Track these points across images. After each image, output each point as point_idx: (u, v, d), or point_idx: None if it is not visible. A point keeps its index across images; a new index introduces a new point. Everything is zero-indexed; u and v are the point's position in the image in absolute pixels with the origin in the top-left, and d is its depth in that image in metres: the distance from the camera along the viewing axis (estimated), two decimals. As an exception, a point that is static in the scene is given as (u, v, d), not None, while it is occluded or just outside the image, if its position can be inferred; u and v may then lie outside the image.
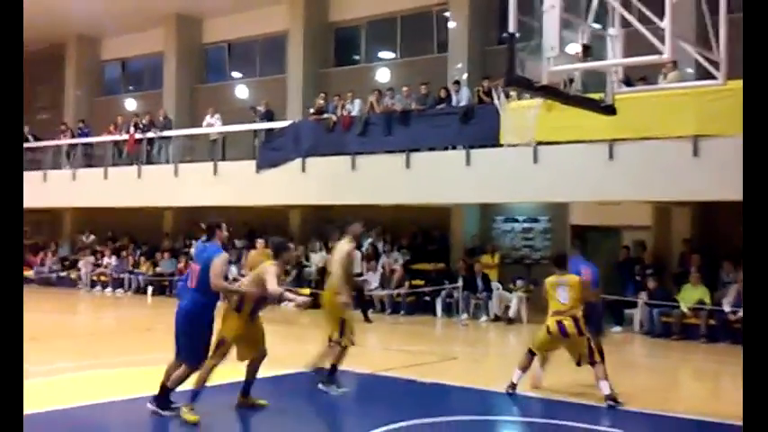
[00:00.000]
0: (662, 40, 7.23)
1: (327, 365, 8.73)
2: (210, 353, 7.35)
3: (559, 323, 8.38)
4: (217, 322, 7.47)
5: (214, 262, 7.20)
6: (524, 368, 8.75)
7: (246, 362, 7.78)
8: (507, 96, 12.62)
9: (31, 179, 23.62)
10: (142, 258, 22.88)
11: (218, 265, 7.20)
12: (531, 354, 8.76)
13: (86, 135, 23.83)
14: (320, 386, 8.60)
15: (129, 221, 24.40)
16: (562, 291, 8.52)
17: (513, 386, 8.67)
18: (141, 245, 23.78)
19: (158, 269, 22.02)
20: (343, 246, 8.96)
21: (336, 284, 8.70)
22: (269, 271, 7.42)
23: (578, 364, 8.50)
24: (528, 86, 8.03)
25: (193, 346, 7.26)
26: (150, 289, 21.71)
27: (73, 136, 24.14)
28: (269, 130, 19.79)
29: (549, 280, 8.70)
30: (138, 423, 7.46)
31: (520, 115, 11.48)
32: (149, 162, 21.74)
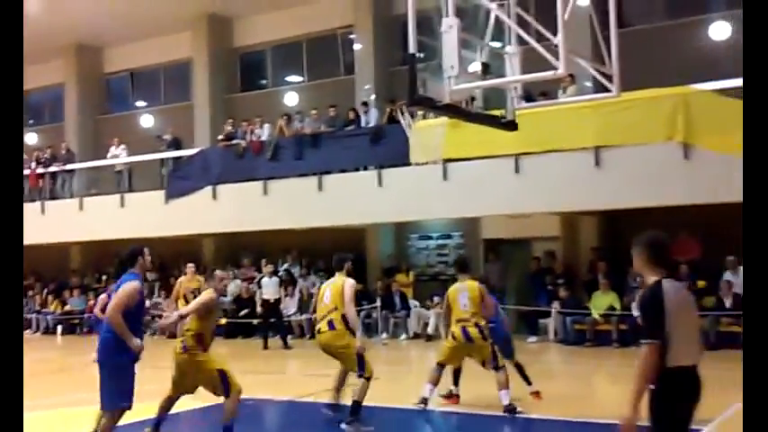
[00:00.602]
0: (557, 56, 7.43)
1: (348, 401, 8.31)
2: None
3: (464, 329, 8.49)
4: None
5: (117, 292, 6.63)
6: (435, 382, 8.81)
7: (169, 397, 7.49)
8: (413, 116, 12.78)
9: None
10: (49, 297, 22.10)
11: (120, 294, 6.56)
12: (441, 366, 8.81)
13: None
14: (344, 426, 7.98)
15: (33, 259, 23.47)
16: (463, 298, 8.63)
17: (425, 401, 8.73)
18: (48, 283, 22.96)
19: (67, 307, 21.31)
20: (349, 281, 8.38)
21: (353, 320, 8.22)
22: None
23: (483, 365, 8.64)
24: (431, 105, 8.12)
25: (106, 385, 6.60)
26: (60, 328, 20.97)
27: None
28: (177, 159, 19.48)
29: (452, 288, 8.84)
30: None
31: (426, 134, 11.64)
32: (53, 197, 21.06)
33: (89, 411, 7.46)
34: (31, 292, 22.57)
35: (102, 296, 6.91)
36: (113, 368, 6.56)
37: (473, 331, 8.45)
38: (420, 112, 13.07)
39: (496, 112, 9.14)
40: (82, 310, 20.66)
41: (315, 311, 9.30)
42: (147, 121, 24.12)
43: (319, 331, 8.30)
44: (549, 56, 7.45)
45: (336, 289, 8.24)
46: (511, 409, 8.31)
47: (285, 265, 18.66)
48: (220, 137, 19.18)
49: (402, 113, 13.03)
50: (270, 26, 21.72)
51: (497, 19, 8.41)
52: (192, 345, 7.21)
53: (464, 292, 8.68)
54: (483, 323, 8.52)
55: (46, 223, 20.55)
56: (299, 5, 20.63)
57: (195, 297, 13.34)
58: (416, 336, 16.55)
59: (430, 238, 18.97)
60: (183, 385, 7.37)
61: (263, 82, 23.06)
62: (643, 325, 4.41)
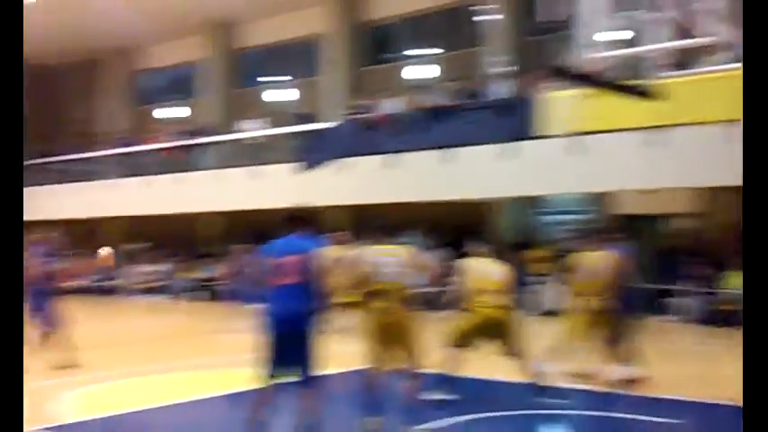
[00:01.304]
0: (703, 22, 7.15)
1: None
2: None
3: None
4: None
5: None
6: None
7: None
8: (548, 86, 12.57)
9: (73, 190, 24.06)
10: (184, 264, 23.10)
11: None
12: None
13: (127, 145, 24.20)
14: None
15: (170, 227, 24.61)
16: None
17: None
18: (183, 250, 24.00)
19: (201, 274, 22.25)
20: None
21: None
22: None
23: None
24: (568, 76, 8.00)
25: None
26: (196, 294, 21.94)
27: (114, 146, 24.53)
28: (309, 132, 19.91)
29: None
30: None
31: (559, 105, 11.42)
32: (190, 169, 21.95)
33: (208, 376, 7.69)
34: (166, 259, 23.67)
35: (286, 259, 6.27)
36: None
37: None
38: (552, 84, 12.81)
39: (634, 83, 8.90)
40: (215, 277, 21.53)
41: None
42: (278, 95, 24.75)
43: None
44: (695, 23, 7.18)
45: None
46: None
47: (415, 239, 18.79)
48: (350, 111, 19.45)
49: (535, 84, 12.82)
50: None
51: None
52: None
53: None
54: None
55: (184, 194, 21.51)
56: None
57: None
58: (548, 312, 16.34)
59: (561, 212, 18.65)
60: None
61: (394, 55, 23.18)
62: None
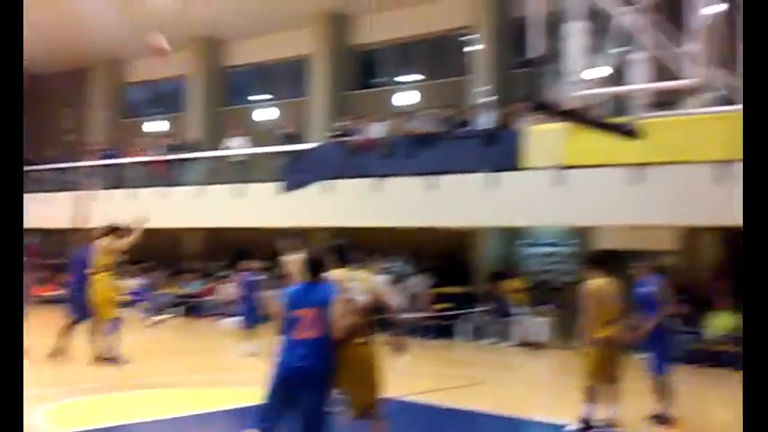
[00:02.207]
0: (687, 65, 7.16)
1: None
2: None
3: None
4: None
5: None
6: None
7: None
8: (530, 120, 12.59)
9: (57, 200, 23.86)
10: (167, 279, 22.95)
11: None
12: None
13: (112, 157, 24.03)
14: None
15: (153, 242, 24.26)
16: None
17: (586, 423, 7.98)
18: (166, 266, 23.84)
19: (183, 290, 22.09)
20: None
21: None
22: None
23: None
24: (552, 111, 7.99)
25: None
26: (176, 311, 21.74)
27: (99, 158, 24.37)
28: (293, 152, 19.85)
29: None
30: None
31: (544, 138, 11.42)
32: (175, 184, 21.82)
33: (189, 394, 7.60)
34: (149, 274, 23.47)
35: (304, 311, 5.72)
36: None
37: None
38: (537, 117, 12.83)
39: (618, 120, 8.90)
40: (197, 293, 21.36)
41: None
42: (264, 114, 24.70)
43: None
44: (679, 64, 7.18)
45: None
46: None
47: (396, 264, 18.74)
48: (335, 133, 19.43)
49: (519, 117, 12.84)
50: (389, 25, 21.82)
51: (625, 25, 8.18)
52: None
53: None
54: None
55: (167, 209, 21.35)
56: (419, 4, 20.67)
57: None
58: (522, 343, 16.30)
59: (541, 245, 18.65)
60: None
61: (380, 80, 23.21)
62: None
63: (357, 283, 6.19)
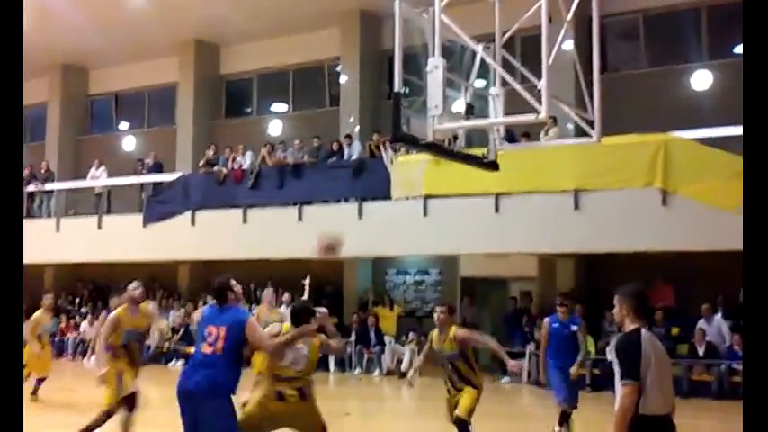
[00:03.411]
0: (540, 99, 7.50)
1: None
2: None
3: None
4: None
5: (250, 326, 5.92)
6: None
7: None
8: (396, 151, 12.83)
9: None
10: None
11: (258, 331, 5.99)
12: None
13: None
14: None
15: (7, 278, 23.27)
16: None
17: None
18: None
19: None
20: None
21: None
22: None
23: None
24: (414, 143, 8.14)
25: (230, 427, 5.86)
26: (29, 349, 20.61)
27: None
28: (157, 183, 19.39)
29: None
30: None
31: (408, 169, 11.67)
32: (30, 216, 20.84)
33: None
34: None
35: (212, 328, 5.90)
36: (226, 407, 5.82)
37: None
38: (403, 148, 13.12)
39: (478, 152, 9.20)
40: (53, 332, 20.30)
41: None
42: (129, 143, 24.02)
43: None
44: (531, 99, 7.51)
45: None
46: None
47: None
48: (202, 162, 19.13)
49: (385, 148, 13.08)
50: (257, 55, 21.79)
51: (482, 60, 8.50)
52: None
53: None
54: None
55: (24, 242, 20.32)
56: (286, 35, 20.71)
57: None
58: (389, 372, 16.43)
59: (408, 273, 18.94)
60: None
61: (248, 110, 23.08)
62: (620, 368, 4.47)
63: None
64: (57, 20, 19.98)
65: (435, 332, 7.80)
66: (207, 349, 5.85)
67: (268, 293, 11.41)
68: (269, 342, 6.08)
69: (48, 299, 13.00)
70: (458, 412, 7.27)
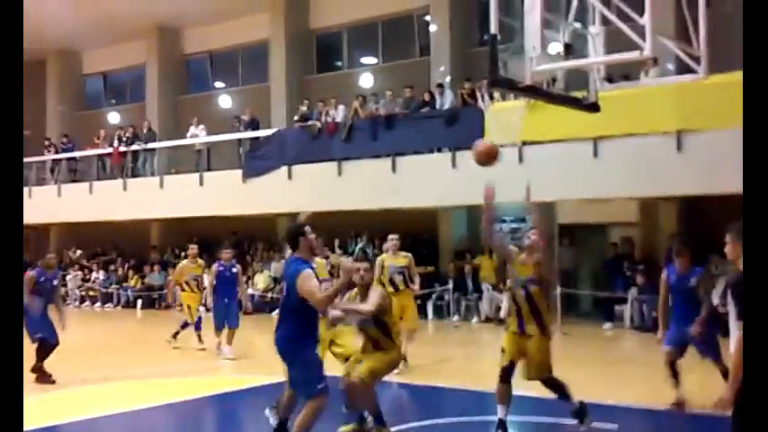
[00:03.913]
0: (642, 36, 7.27)
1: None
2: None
3: None
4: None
5: (302, 278, 5.84)
6: None
7: None
8: (491, 97, 12.67)
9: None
10: (130, 272, 22.78)
11: (307, 283, 5.83)
12: None
13: (70, 150, 23.72)
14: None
15: (115, 235, 24.32)
16: None
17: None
18: (129, 258, 23.64)
19: (147, 282, 21.92)
20: None
21: None
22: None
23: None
24: (511, 87, 8.05)
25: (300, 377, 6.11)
26: (140, 302, 21.60)
27: (56, 151, 24.03)
28: (254, 139, 19.78)
29: None
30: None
31: (504, 115, 11.49)
32: (134, 175, 21.67)
33: (162, 383, 7.59)
34: (112, 267, 23.32)
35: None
36: (304, 364, 6.04)
37: None
38: (497, 94, 12.94)
39: (577, 94, 9.01)
40: (161, 285, 21.21)
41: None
42: (225, 101, 24.52)
43: None
44: (635, 36, 7.29)
45: None
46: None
47: (360, 245, 18.78)
48: (296, 117, 19.39)
49: (480, 94, 12.94)
50: (346, 7, 21.79)
51: (580, -1, 8.28)
52: None
53: None
54: None
55: (127, 200, 21.18)
56: (375, -14, 20.64)
57: (197, 283, 13.24)
58: (488, 319, 16.50)
59: (503, 221, 18.81)
60: None
61: (339, 63, 23.17)
62: (739, 307, 4.35)
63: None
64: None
65: (521, 254, 7.48)
66: (281, 305, 6.19)
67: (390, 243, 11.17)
68: (317, 296, 5.79)
69: (192, 248, 13.59)
70: (541, 374, 7.03)
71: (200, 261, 13.65)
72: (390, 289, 10.05)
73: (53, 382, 9.82)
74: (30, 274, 10.09)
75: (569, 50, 8.09)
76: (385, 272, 10.52)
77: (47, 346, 9.95)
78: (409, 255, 11.01)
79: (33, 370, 9.83)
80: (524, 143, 14.38)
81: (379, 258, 10.80)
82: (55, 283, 10.51)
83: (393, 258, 10.75)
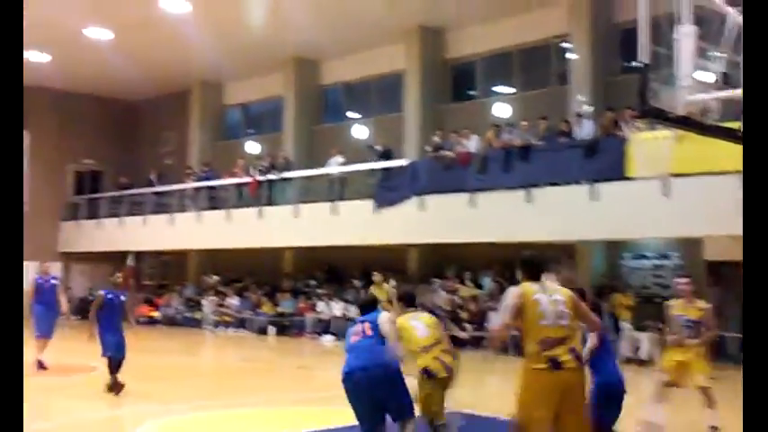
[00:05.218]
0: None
1: None
2: None
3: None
4: None
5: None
6: None
7: None
8: (636, 127, 12.08)
9: (158, 222, 24.54)
10: (263, 298, 23.21)
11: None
12: None
13: (210, 178, 24.54)
14: None
15: (250, 262, 24.88)
16: None
17: None
18: (262, 285, 24.12)
19: (279, 309, 22.25)
20: None
21: None
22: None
23: None
24: (662, 117, 7.57)
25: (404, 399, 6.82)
26: (272, 329, 21.93)
27: (197, 179, 24.92)
28: (386, 169, 19.79)
29: None
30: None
31: (651, 146, 10.90)
32: (270, 203, 22.12)
33: (289, 412, 7.48)
34: (246, 293, 23.85)
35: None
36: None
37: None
38: (641, 124, 12.33)
39: (730, 125, 8.42)
40: (292, 312, 21.47)
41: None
42: (358, 131, 24.75)
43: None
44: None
45: None
46: None
47: (489, 278, 18.39)
48: (429, 147, 19.27)
49: (623, 124, 12.38)
50: (481, 37, 21.57)
51: (735, 27, 7.72)
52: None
53: None
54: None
55: (263, 228, 21.64)
56: (511, 16, 20.34)
57: None
58: (628, 360, 15.67)
59: (645, 257, 17.94)
60: None
61: (473, 93, 22.94)
62: None
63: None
64: (287, 16, 20.95)
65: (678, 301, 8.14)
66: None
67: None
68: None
69: (377, 276, 14.53)
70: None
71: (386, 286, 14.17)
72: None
73: (122, 386, 10.56)
74: (99, 293, 11.13)
75: (727, 80, 7.55)
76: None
77: (115, 361, 10.76)
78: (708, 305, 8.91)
79: (110, 388, 10.57)
80: (672, 175, 13.63)
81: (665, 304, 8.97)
82: (122, 299, 11.23)
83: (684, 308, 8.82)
